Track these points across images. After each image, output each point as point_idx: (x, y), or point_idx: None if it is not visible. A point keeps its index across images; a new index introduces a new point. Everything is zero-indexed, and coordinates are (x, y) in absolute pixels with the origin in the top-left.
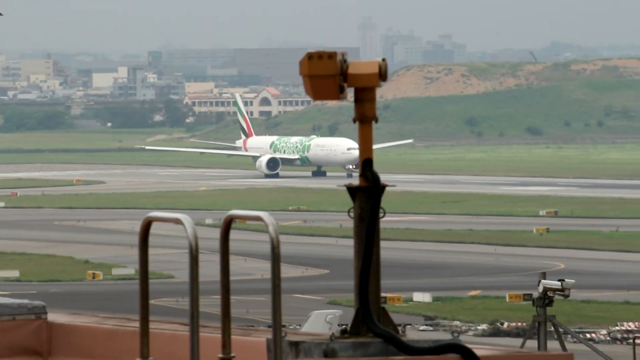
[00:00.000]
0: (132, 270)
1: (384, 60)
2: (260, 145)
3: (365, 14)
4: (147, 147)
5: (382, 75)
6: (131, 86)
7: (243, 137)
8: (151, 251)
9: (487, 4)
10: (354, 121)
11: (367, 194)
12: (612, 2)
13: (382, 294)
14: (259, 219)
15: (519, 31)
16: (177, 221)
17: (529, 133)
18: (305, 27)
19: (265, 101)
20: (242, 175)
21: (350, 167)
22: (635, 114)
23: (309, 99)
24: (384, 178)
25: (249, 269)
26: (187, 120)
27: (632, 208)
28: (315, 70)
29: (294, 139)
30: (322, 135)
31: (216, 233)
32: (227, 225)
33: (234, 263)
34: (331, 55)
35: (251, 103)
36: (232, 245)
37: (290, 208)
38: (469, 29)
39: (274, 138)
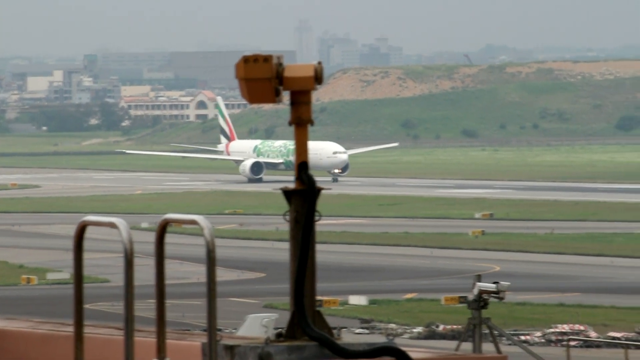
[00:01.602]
0: (67, 274)
1: (319, 63)
2: (243, 149)
3: (302, 17)
4: (127, 151)
5: (318, 78)
6: (67, 90)
7: (225, 140)
8: (86, 255)
9: (423, 8)
10: (290, 124)
11: (303, 197)
12: (547, 5)
13: (318, 297)
14: (194, 222)
15: (455, 34)
16: (112, 225)
17: (465, 136)
18: (242, 30)
19: (201, 104)
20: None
21: (336, 171)
22: (570, 116)
23: (245, 102)
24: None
25: (185, 272)
26: (123, 124)
27: (567, 210)
28: (251, 74)
29: (278, 143)
30: (258, 137)
31: (152, 237)
32: (163, 229)
33: (171, 267)
34: (267, 59)
35: (187, 106)
36: (169, 249)
37: (226, 211)
38: (405, 32)
39: (257, 142)
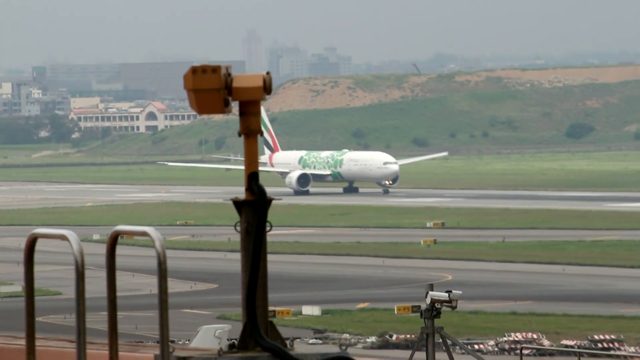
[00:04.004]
0: (18, 287)
1: (268, 73)
2: (288, 161)
3: (250, 27)
4: (169, 163)
5: (267, 88)
6: (15, 102)
7: (268, 152)
8: (38, 268)
9: (371, 16)
10: (240, 135)
11: (254, 207)
12: (495, 14)
13: (271, 308)
14: (145, 234)
15: (404, 43)
16: (63, 237)
17: (415, 144)
18: (191, 40)
19: (151, 116)
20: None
21: (387, 182)
22: (520, 124)
23: (195, 113)
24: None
25: (138, 284)
26: (73, 136)
27: (517, 218)
28: (199, 84)
29: (325, 154)
30: (208, 149)
31: (104, 249)
32: (113, 241)
33: (123, 279)
34: (215, 69)
35: (137, 118)
36: (121, 261)
37: (178, 223)
38: (353, 41)
39: (303, 153)
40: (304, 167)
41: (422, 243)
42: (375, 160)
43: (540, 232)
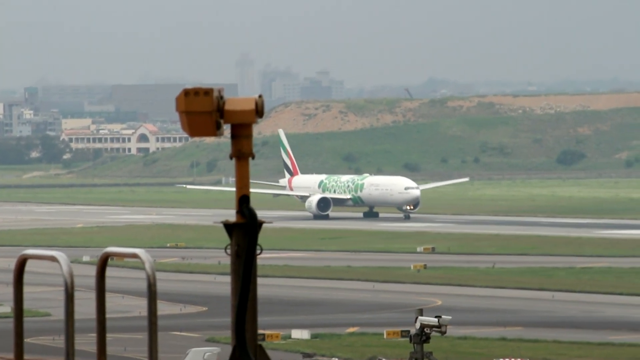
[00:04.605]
0: (7, 308)
1: (260, 96)
2: (308, 185)
3: (243, 50)
4: (188, 186)
5: (259, 111)
6: (7, 122)
7: (287, 175)
8: (27, 289)
9: (364, 41)
10: (231, 157)
11: (244, 230)
12: (488, 40)
13: (260, 331)
14: (135, 256)
15: (396, 68)
16: (53, 258)
17: (406, 169)
18: (184, 63)
19: (143, 137)
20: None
21: (408, 207)
22: (511, 150)
23: (187, 135)
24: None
25: (127, 306)
26: (64, 157)
27: (508, 244)
28: (191, 107)
29: (345, 178)
30: (200, 171)
31: (94, 270)
32: (103, 263)
33: (113, 300)
34: (207, 92)
35: (129, 139)
36: (111, 283)
37: (168, 245)
38: (346, 65)
39: (323, 177)
40: (323, 191)
41: (412, 268)
42: (396, 185)
43: (530, 259)
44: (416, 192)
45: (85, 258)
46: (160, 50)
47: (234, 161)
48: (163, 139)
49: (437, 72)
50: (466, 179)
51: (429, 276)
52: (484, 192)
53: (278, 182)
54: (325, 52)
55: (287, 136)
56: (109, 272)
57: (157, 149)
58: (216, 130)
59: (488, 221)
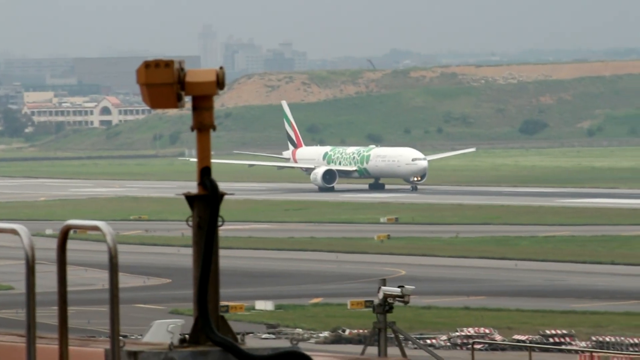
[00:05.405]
0: None
1: (221, 68)
2: (312, 157)
3: (206, 22)
4: (191, 159)
5: (220, 83)
6: None
7: (291, 147)
8: None
9: (327, 12)
10: (192, 129)
11: (206, 202)
12: (450, 10)
13: (224, 303)
14: (96, 228)
15: (359, 39)
16: (14, 232)
17: (370, 140)
18: (146, 35)
19: (105, 110)
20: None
21: (415, 179)
22: (474, 120)
23: (149, 107)
24: (224, 187)
25: (90, 279)
26: (26, 130)
27: (471, 214)
28: (152, 79)
29: (351, 150)
30: (163, 144)
31: (56, 243)
32: (65, 235)
33: (76, 273)
34: (168, 64)
35: (91, 112)
36: (75, 256)
37: (131, 217)
38: (309, 37)
39: (328, 148)
40: (328, 163)
41: (375, 238)
42: (403, 157)
43: (493, 228)
44: (424, 163)
45: (48, 231)
46: (123, 23)
47: (195, 133)
48: (126, 112)
49: (400, 43)
50: (473, 149)
51: (392, 246)
52: (447, 162)
53: (282, 154)
54: (288, 24)
55: (251, 108)
56: (74, 245)
57: (120, 121)
58: (177, 103)
59: (451, 191)
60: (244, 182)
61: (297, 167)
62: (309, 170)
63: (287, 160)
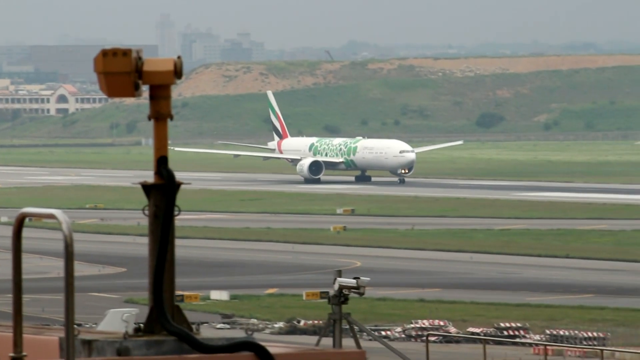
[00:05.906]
0: None
1: (179, 57)
2: (298, 147)
3: (164, 11)
4: (176, 149)
5: (178, 72)
6: None
7: (277, 138)
8: None
9: (285, 3)
10: (150, 118)
11: (162, 191)
12: (408, 3)
13: (180, 292)
14: (52, 216)
15: (317, 30)
16: None
17: (327, 131)
18: (104, 24)
19: (62, 98)
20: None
21: (403, 171)
22: (431, 112)
23: (106, 96)
24: (182, 177)
25: (46, 267)
26: None
27: (426, 206)
28: (109, 67)
29: (337, 141)
30: (119, 132)
31: (11, 231)
32: (20, 223)
33: (31, 261)
34: (126, 53)
35: (48, 100)
36: (31, 244)
37: (87, 206)
38: (267, 27)
39: (314, 139)
40: (315, 154)
41: (331, 229)
42: (391, 149)
43: (449, 220)
44: (412, 156)
45: (4, 219)
46: (80, 11)
47: (152, 122)
48: (82, 100)
49: (358, 34)
50: (460, 142)
51: (348, 238)
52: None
53: (267, 145)
54: (246, 14)
55: (208, 98)
56: (29, 233)
57: (77, 109)
58: (134, 91)
59: (408, 183)
60: (201, 172)
61: (283, 158)
62: (294, 161)
63: (273, 151)
